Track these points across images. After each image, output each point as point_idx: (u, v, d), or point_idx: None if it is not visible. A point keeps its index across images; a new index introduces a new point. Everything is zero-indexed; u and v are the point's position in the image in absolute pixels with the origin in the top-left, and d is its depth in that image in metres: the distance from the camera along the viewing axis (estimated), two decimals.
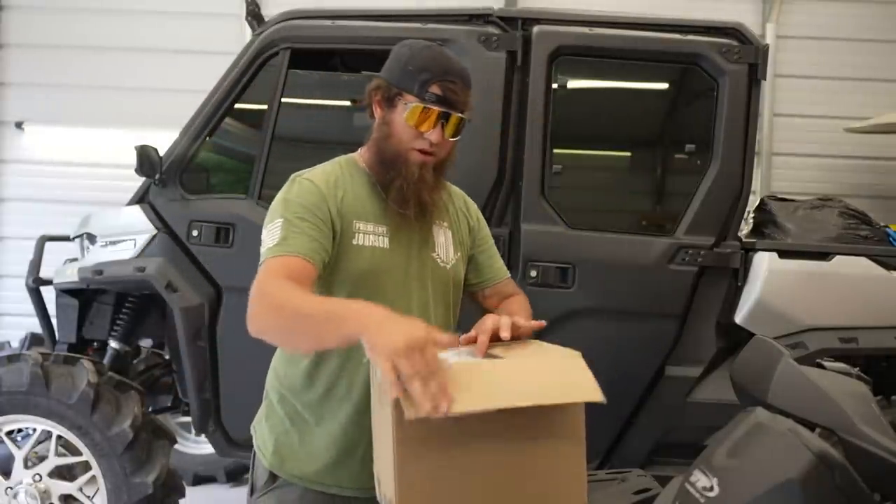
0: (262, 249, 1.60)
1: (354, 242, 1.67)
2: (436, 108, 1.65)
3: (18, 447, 3.06)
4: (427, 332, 1.25)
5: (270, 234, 1.61)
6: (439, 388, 1.22)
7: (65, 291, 3.48)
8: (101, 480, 2.99)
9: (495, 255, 1.96)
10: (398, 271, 1.71)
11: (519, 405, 1.30)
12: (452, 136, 1.70)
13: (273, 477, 1.78)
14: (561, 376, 1.40)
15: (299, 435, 1.75)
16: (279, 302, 1.45)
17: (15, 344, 4.69)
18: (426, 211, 1.72)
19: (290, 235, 1.58)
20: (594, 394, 1.34)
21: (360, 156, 1.80)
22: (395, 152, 1.69)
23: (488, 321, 1.55)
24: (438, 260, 1.78)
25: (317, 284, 1.61)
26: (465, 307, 1.92)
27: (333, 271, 1.66)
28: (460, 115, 1.68)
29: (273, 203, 1.68)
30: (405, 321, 1.30)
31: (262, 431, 1.82)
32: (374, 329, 1.28)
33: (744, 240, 3.16)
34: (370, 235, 1.69)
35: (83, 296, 3.49)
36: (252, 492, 1.83)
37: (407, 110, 1.65)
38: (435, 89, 1.64)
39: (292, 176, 1.73)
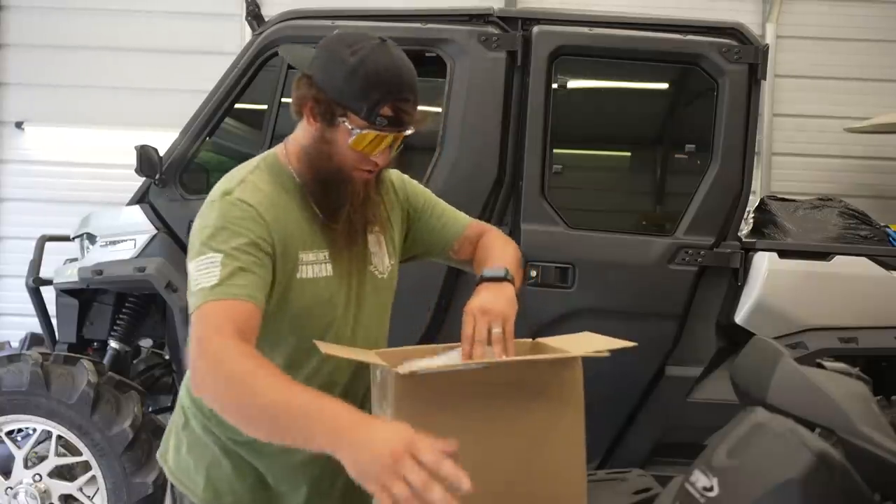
0: (196, 288, 1.34)
1: (299, 276, 1.46)
2: (388, 134, 1.43)
3: (18, 447, 3.07)
4: (410, 436, 1.09)
5: (207, 270, 1.35)
6: (444, 496, 1.05)
7: (65, 291, 3.48)
8: (101, 480, 2.99)
9: (448, 211, 1.76)
10: (340, 297, 1.52)
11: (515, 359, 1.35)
12: (396, 148, 1.51)
13: None
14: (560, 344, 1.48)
15: (233, 462, 1.53)
16: (234, 377, 1.23)
17: (15, 344, 4.69)
18: (371, 226, 1.57)
19: (232, 273, 1.33)
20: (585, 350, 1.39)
21: (286, 158, 1.54)
22: (336, 173, 1.47)
23: (467, 327, 1.44)
24: (376, 272, 1.61)
25: None
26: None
27: (276, 308, 1.44)
28: (409, 132, 1.48)
29: (201, 228, 1.41)
30: (380, 428, 1.12)
31: (185, 464, 1.57)
32: (348, 447, 1.10)
33: (744, 240, 3.17)
34: (314, 266, 1.48)
35: (83, 296, 3.50)
36: None
37: (353, 136, 1.42)
38: (386, 111, 1.41)
39: (220, 193, 1.45)
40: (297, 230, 1.47)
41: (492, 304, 1.48)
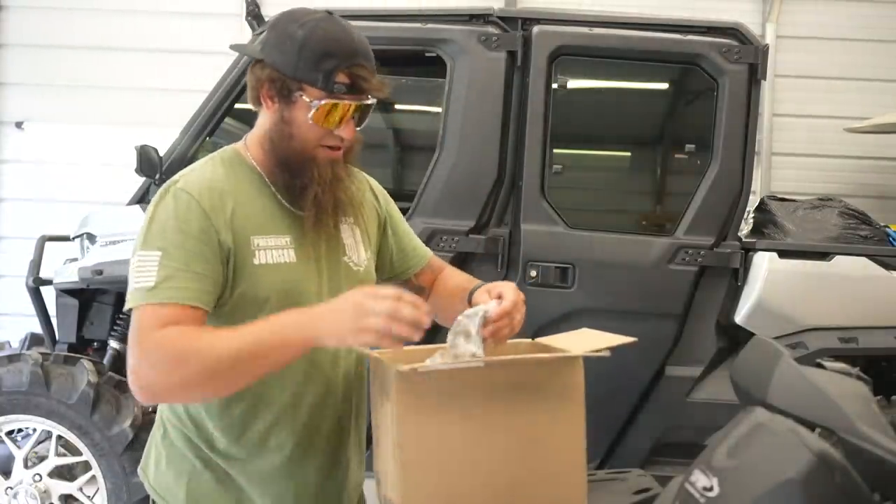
0: (133, 287, 1.32)
1: (256, 262, 1.40)
2: (347, 102, 1.39)
3: (18, 447, 3.07)
4: (362, 291, 1.26)
5: (144, 269, 1.32)
6: (413, 310, 1.22)
7: (65, 291, 3.48)
8: (101, 480, 2.99)
9: (415, 236, 1.76)
10: (310, 286, 1.46)
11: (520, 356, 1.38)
12: (362, 123, 1.47)
13: None
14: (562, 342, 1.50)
15: (215, 474, 1.47)
16: (178, 354, 1.25)
17: (15, 344, 4.68)
18: (341, 211, 1.49)
19: (171, 275, 1.31)
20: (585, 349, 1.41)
21: (247, 150, 1.51)
22: (299, 153, 1.42)
23: (506, 304, 1.42)
24: (351, 264, 1.54)
25: (214, 320, 1.37)
26: None
27: (234, 300, 1.40)
28: (372, 101, 1.43)
29: (146, 221, 1.38)
30: (333, 301, 1.29)
31: (165, 478, 1.51)
32: (320, 326, 1.26)
33: (744, 240, 3.17)
34: (272, 251, 1.43)
35: (83, 296, 3.50)
36: None
37: (313, 109, 1.38)
38: (342, 78, 1.37)
39: (166, 185, 1.43)
40: (252, 215, 1.42)
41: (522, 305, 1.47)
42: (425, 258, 1.75)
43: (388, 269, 1.72)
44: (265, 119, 1.47)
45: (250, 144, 1.51)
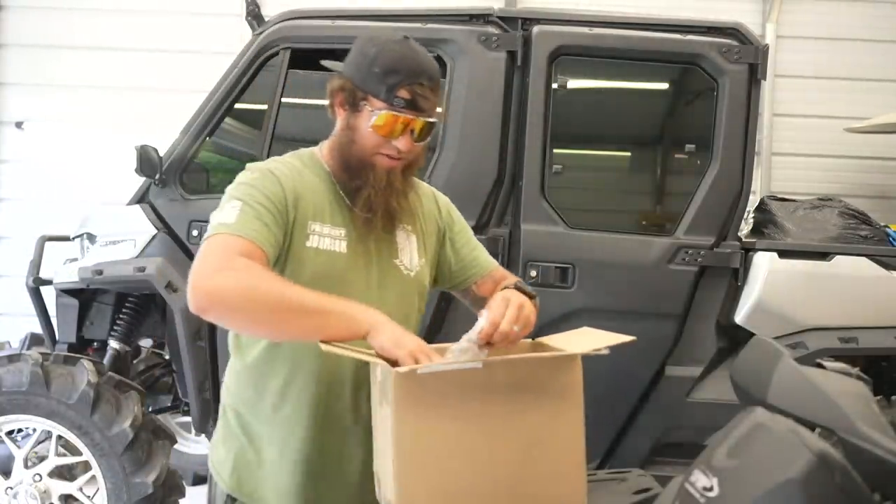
0: (213, 222, 1.49)
1: (308, 244, 1.56)
2: (404, 116, 1.54)
3: (18, 447, 3.07)
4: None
5: (227, 211, 1.49)
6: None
7: (65, 291, 3.48)
8: (101, 480, 2.99)
9: (479, 247, 1.85)
10: (356, 278, 1.59)
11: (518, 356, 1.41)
12: (421, 140, 1.60)
13: (231, 500, 1.67)
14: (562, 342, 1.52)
15: (257, 453, 1.64)
16: (251, 282, 1.38)
17: (15, 344, 4.68)
18: (394, 218, 1.62)
19: (247, 219, 1.47)
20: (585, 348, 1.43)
21: (321, 152, 1.68)
22: (359, 159, 1.58)
23: (498, 310, 1.47)
24: (402, 267, 1.66)
25: None
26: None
27: (289, 274, 1.53)
28: (430, 119, 1.58)
29: (229, 188, 1.57)
30: (403, 331, 1.42)
31: (219, 451, 1.71)
32: (385, 332, 1.39)
33: (744, 240, 3.17)
34: (325, 238, 1.58)
35: (83, 296, 3.49)
36: None
37: (374, 118, 1.54)
38: (403, 94, 1.53)
39: (249, 165, 1.63)
40: (314, 203, 1.58)
41: (525, 304, 1.52)
42: (486, 269, 1.82)
43: (448, 279, 1.82)
44: (337, 125, 1.64)
45: (324, 149, 1.68)
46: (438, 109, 1.62)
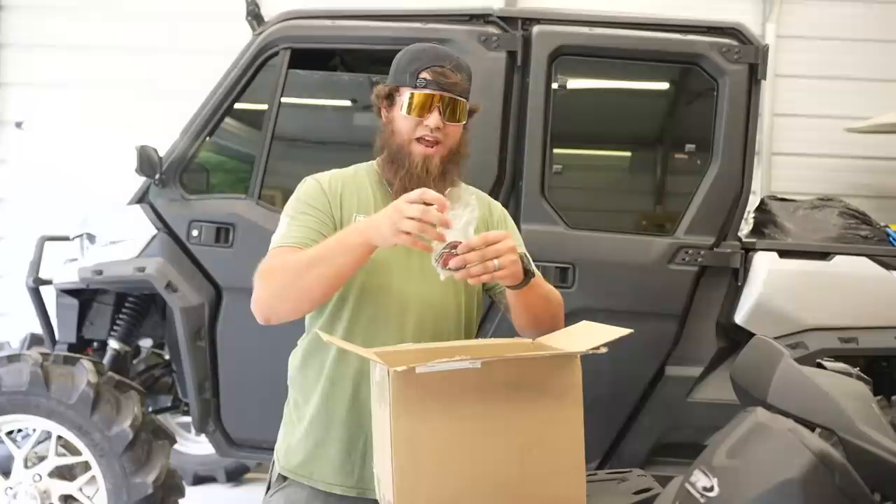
0: (272, 240, 1.72)
1: None
2: (427, 92, 1.68)
3: (18, 447, 3.06)
4: (404, 195, 1.47)
5: (277, 231, 1.72)
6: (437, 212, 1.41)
7: (65, 291, 3.48)
8: (101, 480, 2.99)
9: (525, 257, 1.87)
10: (397, 265, 1.71)
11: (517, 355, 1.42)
12: (452, 120, 1.71)
13: (283, 477, 1.81)
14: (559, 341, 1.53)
15: (306, 434, 1.77)
16: (278, 267, 1.60)
17: (15, 344, 4.68)
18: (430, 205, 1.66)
19: (290, 229, 1.69)
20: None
21: (376, 160, 1.84)
22: (399, 147, 1.72)
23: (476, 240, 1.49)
24: None
25: None
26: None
27: None
28: (456, 97, 1.70)
29: (289, 201, 1.78)
30: (387, 206, 1.50)
31: (279, 437, 1.87)
32: (368, 230, 1.50)
33: (744, 240, 3.16)
34: None
35: (83, 296, 3.49)
36: (267, 490, 1.88)
37: (404, 102, 1.69)
38: (425, 75, 1.68)
39: (305, 178, 1.82)
40: (360, 199, 1.76)
41: (514, 254, 1.50)
42: None
43: (488, 282, 1.84)
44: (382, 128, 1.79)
45: (379, 156, 1.83)
46: (466, 96, 1.74)
